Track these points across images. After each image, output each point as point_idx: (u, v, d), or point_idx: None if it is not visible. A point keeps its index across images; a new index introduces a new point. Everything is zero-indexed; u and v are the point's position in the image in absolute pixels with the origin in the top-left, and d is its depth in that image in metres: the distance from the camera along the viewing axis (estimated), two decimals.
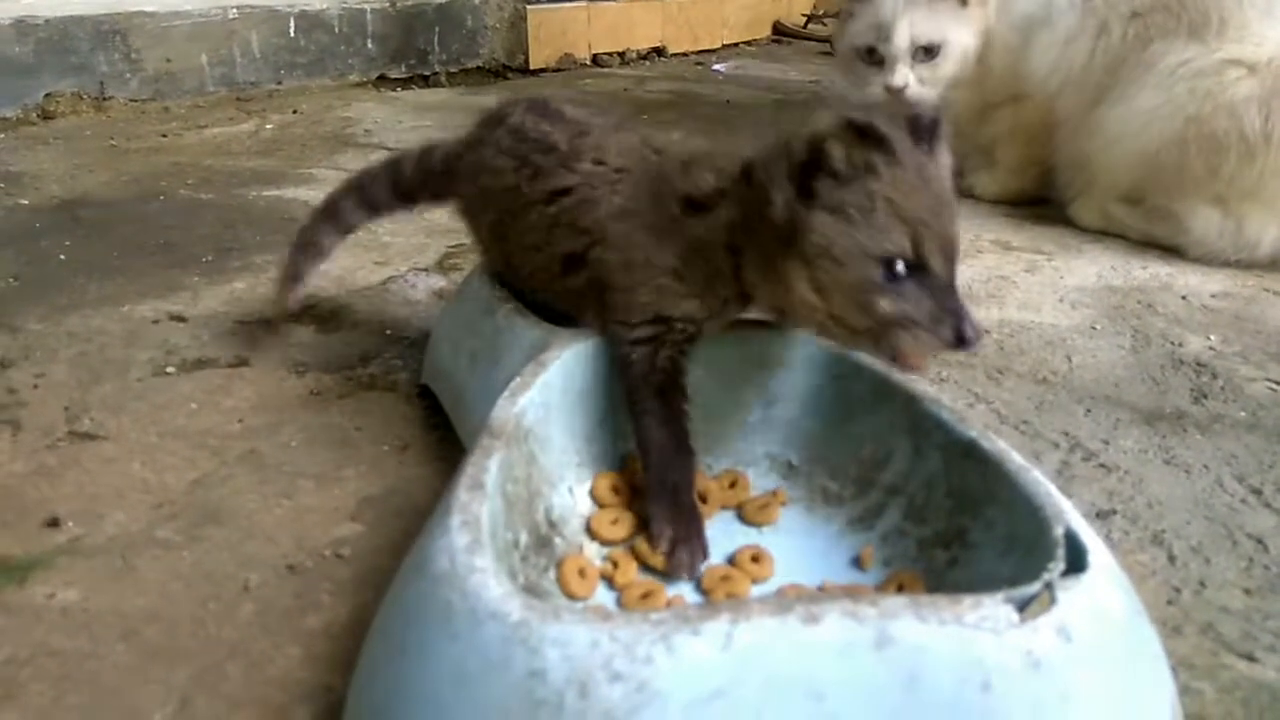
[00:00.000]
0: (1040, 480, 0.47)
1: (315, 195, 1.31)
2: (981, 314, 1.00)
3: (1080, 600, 0.39)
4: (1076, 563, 0.41)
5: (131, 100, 1.77)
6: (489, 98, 2.09)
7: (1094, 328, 0.97)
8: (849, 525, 0.57)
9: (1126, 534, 0.64)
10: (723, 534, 0.57)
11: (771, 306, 0.58)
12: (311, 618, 0.53)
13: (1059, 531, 0.43)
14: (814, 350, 0.61)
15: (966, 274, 1.11)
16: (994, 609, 0.38)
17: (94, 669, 0.49)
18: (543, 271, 0.64)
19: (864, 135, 0.50)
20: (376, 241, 1.14)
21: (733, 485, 0.60)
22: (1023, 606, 0.39)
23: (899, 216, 0.50)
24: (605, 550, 0.55)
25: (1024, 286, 1.09)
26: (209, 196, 1.29)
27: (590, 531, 0.56)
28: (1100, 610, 0.39)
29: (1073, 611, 0.38)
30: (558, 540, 0.53)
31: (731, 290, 0.57)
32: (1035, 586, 0.40)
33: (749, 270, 0.56)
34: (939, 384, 0.83)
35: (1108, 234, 1.27)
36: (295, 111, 1.83)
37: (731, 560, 0.54)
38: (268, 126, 1.71)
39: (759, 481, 0.61)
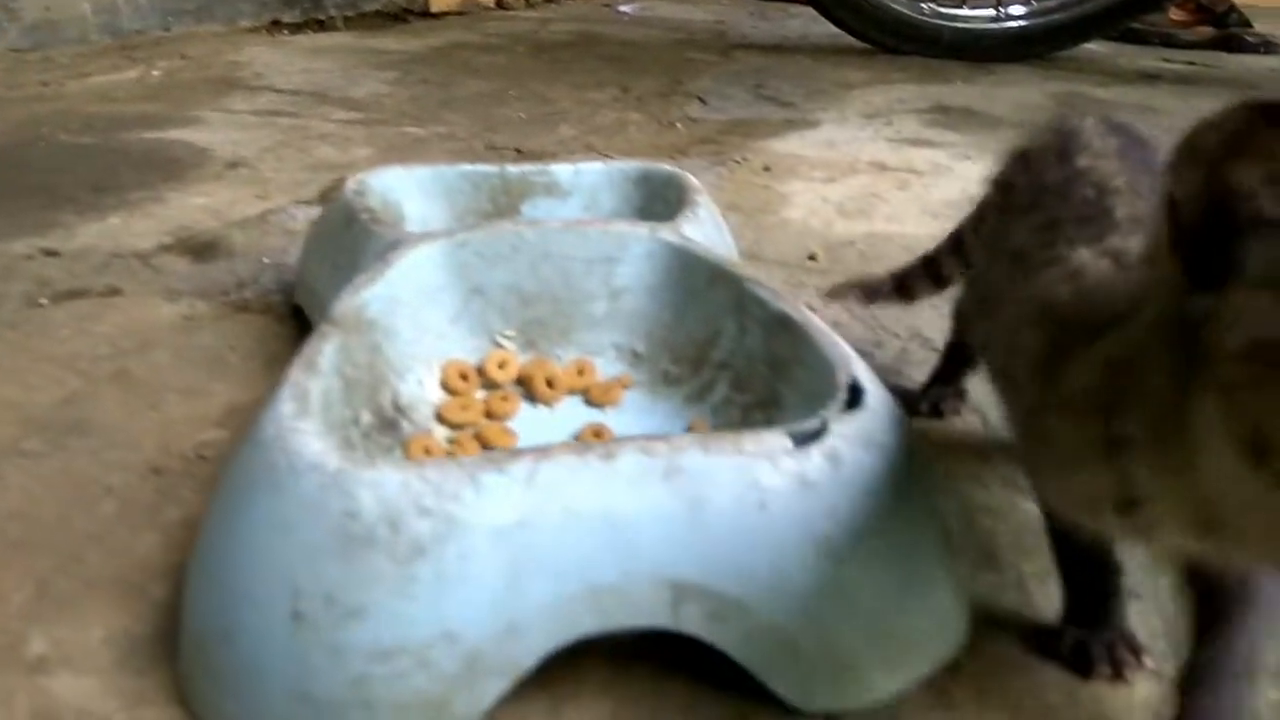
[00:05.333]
0: (838, 343, 0.51)
1: (200, 136, 1.30)
2: (848, 228, 1.05)
3: (850, 431, 0.43)
4: (856, 405, 0.46)
5: (11, 50, 1.72)
6: (388, 40, 2.09)
7: None
8: (685, 401, 0.61)
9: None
10: (569, 416, 0.61)
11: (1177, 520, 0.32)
12: (172, 511, 0.56)
13: (842, 378, 0.47)
14: (655, 246, 0.64)
15: (838, 193, 1.16)
16: (771, 440, 0.42)
17: None
18: None
19: None
20: (257, 176, 1.14)
21: (580, 373, 0.63)
22: (803, 441, 0.43)
23: None
24: (453, 434, 0.58)
25: (893, 203, 1.14)
26: (90, 141, 1.27)
27: (440, 418, 0.59)
28: (869, 441, 0.44)
29: (842, 441, 0.43)
30: (404, 423, 0.56)
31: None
32: (814, 422, 0.44)
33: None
34: (797, 288, 0.88)
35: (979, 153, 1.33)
36: (183, 57, 1.79)
37: (576, 438, 0.58)
38: (154, 73, 1.67)
39: (606, 369, 0.64)
